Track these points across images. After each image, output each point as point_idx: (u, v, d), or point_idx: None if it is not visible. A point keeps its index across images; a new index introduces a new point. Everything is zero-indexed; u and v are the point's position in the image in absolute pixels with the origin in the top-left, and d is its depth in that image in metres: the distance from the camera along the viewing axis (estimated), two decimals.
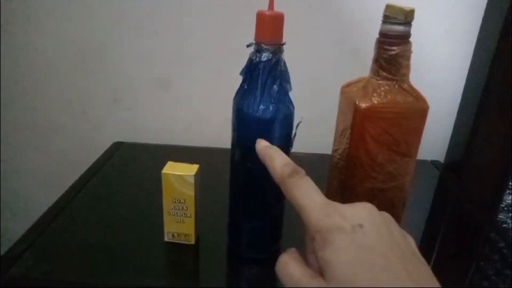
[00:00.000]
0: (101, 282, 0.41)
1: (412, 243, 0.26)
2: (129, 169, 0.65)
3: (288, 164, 0.29)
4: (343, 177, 0.43)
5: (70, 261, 0.43)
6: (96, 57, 0.72)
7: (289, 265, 0.26)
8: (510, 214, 0.72)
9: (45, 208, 0.52)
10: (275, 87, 0.37)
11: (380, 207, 0.26)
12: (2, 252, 0.44)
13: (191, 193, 0.42)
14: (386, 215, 0.26)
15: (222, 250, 0.46)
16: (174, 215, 0.44)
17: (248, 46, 0.37)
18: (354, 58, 0.65)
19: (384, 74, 0.39)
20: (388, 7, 0.38)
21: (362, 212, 0.25)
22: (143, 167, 0.65)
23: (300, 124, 0.40)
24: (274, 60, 0.36)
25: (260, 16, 0.36)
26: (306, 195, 0.26)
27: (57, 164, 0.80)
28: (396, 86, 0.39)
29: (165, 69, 0.72)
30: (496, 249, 0.50)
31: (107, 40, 0.70)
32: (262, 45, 0.36)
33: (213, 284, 0.43)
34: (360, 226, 0.24)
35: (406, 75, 0.39)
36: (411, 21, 0.37)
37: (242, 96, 0.38)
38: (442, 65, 0.69)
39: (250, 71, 0.37)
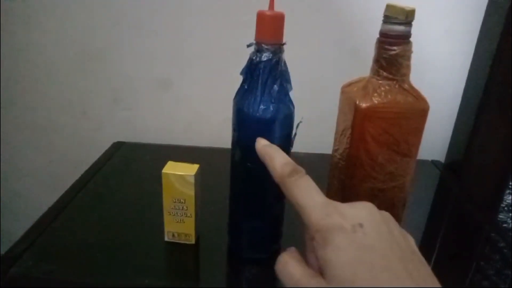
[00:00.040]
0: (101, 282, 0.41)
1: (412, 243, 0.26)
2: (129, 169, 0.65)
3: (288, 163, 0.29)
4: (343, 177, 0.43)
5: (70, 261, 0.43)
6: (96, 57, 0.72)
7: (289, 264, 0.26)
8: (511, 214, 0.72)
9: (45, 208, 0.52)
10: (276, 87, 0.37)
11: (380, 207, 0.26)
12: (2, 252, 0.44)
13: (191, 193, 0.42)
14: (386, 215, 0.26)
15: (222, 250, 0.46)
16: (174, 215, 0.44)
17: (248, 46, 0.37)
18: (354, 58, 0.65)
19: (385, 74, 0.39)
20: (389, 7, 0.38)
21: (362, 212, 0.25)
22: (143, 167, 0.65)
23: (300, 124, 0.39)
24: (274, 60, 0.36)
25: (260, 16, 0.36)
26: (306, 194, 0.26)
27: (57, 164, 0.80)
28: (397, 86, 0.39)
29: (165, 69, 0.72)
30: (496, 249, 0.50)
31: (107, 40, 0.70)
32: (263, 45, 0.36)
33: (213, 284, 0.43)
34: (360, 225, 0.24)
35: (406, 75, 0.39)
36: (412, 21, 0.37)
37: (243, 96, 0.38)
38: (442, 65, 0.69)
39: (251, 71, 0.37)
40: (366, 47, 0.42)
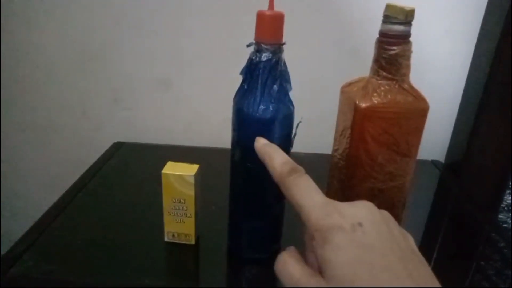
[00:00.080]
0: (101, 282, 0.41)
1: (411, 242, 0.26)
2: (129, 169, 0.65)
3: (287, 162, 0.29)
4: (343, 177, 0.43)
5: (70, 261, 0.43)
6: (96, 57, 0.72)
7: (288, 264, 0.26)
8: (511, 214, 0.72)
9: (45, 208, 0.52)
10: (275, 87, 0.37)
11: (380, 207, 0.26)
12: (2, 252, 0.44)
13: (191, 193, 0.42)
14: (385, 214, 0.26)
15: (222, 250, 0.46)
16: (174, 215, 0.44)
17: (248, 46, 0.37)
18: (354, 58, 0.65)
19: (384, 74, 0.39)
20: (388, 6, 0.38)
21: (362, 211, 0.25)
22: (143, 167, 0.65)
23: (300, 124, 0.39)
24: (274, 60, 0.36)
25: (260, 16, 0.36)
26: (306, 194, 0.26)
27: (57, 164, 0.80)
28: (396, 86, 0.39)
29: (165, 69, 0.72)
30: (496, 249, 0.50)
31: (107, 40, 0.70)
32: (262, 45, 0.36)
33: (213, 284, 0.43)
34: (360, 224, 0.24)
35: (406, 75, 0.39)
36: (411, 21, 0.37)
37: (242, 96, 0.38)
38: (442, 65, 0.69)
39: (250, 71, 0.37)
40: (366, 47, 0.42)
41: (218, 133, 0.73)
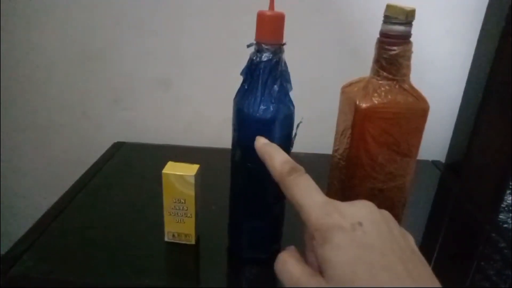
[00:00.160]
0: (101, 282, 0.41)
1: (411, 242, 0.26)
2: (129, 169, 0.65)
3: (287, 162, 0.29)
4: (344, 177, 0.43)
5: (70, 261, 0.43)
6: (96, 57, 0.72)
7: (288, 263, 0.26)
8: (511, 214, 0.72)
9: (45, 208, 0.52)
10: (276, 87, 0.37)
11: (380, 207, 0.26)
12: (2, 252, 0.44)
13: (192, 193, 0.42)
14: (385, 213, 0.26)
15: (222, 250, 0.46)
16: (174, 215, 0.44)
17: (248, 46, 0.37)
18: (354, 58, 0.65)
19: (385, 74, 0.39)
20: (389, 7, 0.38)
21: (362, 210, 0.25)
22: (143, 167, 0.65)
23: (301, 124, 0.39)
24: (274, 60, 0.36)
25: (260, 16, 0.36)
26: (306, 193, 0.26)
27: (57, 164, 0.80)
28: (397, 86, 0.39)
29: (165, 69, 0.72)
30: (496, 249, 0.50)
31: (107, 40, 0.70)
32: (263, 45, 0.36)
33: (213, 284, 0.43)
34: (360, 224, 0.24)
35: (406, 75, 0.39)
36: (412, 21, 0.37)
37: (243, 96, 0.38)
38: (442, 65, 0.69)
39: (251, 71, 0.37)
40: (366, 47, 0.42)
41: (218, 133, 0.73)
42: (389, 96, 0.38)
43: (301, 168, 0.28)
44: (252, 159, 0.33)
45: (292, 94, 0.38)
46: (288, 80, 0.38)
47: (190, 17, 0.68)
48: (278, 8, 0.36)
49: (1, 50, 0.71)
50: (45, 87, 0.75)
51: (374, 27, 0.40)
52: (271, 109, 0.36)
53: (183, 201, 0.43)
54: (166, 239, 0.46)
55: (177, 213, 0.44)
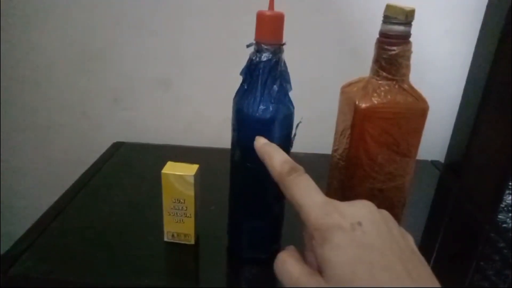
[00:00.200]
0: (101, 282, 0.41)
1: (411, 242, 0.26)
2: (129, 169, 0.65)
3: (287, 162, 0.29)
4: (343, 177, 0.43)
5: (70, 261, 0.43)
6: (96, 57, 0.72)
7: (287, 263, 0.26)
8: (510, 214, 0.72)
9: (45, 208, 0.52)
10: (275, 87, 0.37)
11: (380, 207, 0.26)
12: (2, 252, 0.44)
13: (191, 193, 0.42)
14: (385, 213, 0.26)
15: (222, 250, 0.46)
16: (174, 215, 0.44)
17: (248, 46, 0.37)
18: (354, 58, 0.65)
19: (384, 74, 0.39)
20: (389, 7, 0.38)
21: (361, 210, 0.25)
22: (143, 167, 0.65)
23: (300, 124, 0.39)
24: (274, 60, 0.36)
25: (260, 16, 0.36)
26: (305, 193, 0.26)
27: (57, 164, 0.80)
28: (396, 86, 0.39)
29: (165, 69, 0.72)
30: (496, 249, 0.50)
31: (107, 40, 0.70)
32: (262, 45, 0.36)
33: (213, 284, 0.43)
34: (359, 224, 0.24)
35: (406, 75, 0.39)
36: (412, 21, 0.37)
37: (242, 96, 0.38)
38: (442, 65, 0.69)
39: (250, 71, 0.37)
40: (366, 47, 0.42)
41: (218, 133, 0.73)
42: (389, 96, 0.39)
43: (301, 168, 0.28)
44: (252, 159, 0.33)
45: (291, 94, 0.38)
46: (287, 80, 0.38)
47: (190, 17, 0.68)
48: (277, 8, 0.36)
49: (1, 50, 0.71)
50: (45, 87, 0.75)
51: (373, 27, 0.40)
52: (271, 109, 0.36)
53: (183, 201, 0.43)
54: (165, 239, 0.46)
55: (177, 213, 0.44)
